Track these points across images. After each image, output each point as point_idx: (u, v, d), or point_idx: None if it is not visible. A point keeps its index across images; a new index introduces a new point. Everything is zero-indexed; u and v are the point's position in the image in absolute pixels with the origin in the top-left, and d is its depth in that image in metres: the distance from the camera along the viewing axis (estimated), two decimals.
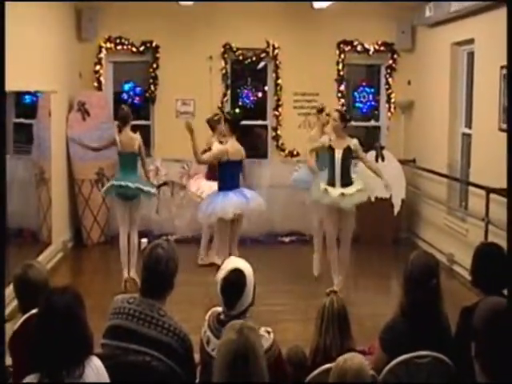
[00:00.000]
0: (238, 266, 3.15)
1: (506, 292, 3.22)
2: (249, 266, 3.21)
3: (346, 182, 6.61)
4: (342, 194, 6.51)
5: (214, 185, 6.63)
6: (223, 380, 2.48)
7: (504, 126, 6.53)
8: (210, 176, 7.45)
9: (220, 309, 3.18)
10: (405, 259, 3.57)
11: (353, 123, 9.67)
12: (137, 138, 6.98)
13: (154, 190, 7.21)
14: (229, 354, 2.49)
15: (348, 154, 6.59)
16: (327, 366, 3.13)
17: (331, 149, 6.61)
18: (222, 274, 3.15)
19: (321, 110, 7.36)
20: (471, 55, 7.89)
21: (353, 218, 6.91)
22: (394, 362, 3.26)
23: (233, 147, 6.34)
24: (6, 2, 5.74)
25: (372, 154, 8.98)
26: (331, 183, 6.61)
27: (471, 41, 7.66)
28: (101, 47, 9.23)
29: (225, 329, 2.66)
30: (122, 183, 6.83)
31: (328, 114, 7.15)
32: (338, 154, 6.56)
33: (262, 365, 2.52)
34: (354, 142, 6.63)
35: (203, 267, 7.57)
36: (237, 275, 3.11)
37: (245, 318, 3.10)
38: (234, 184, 6.39)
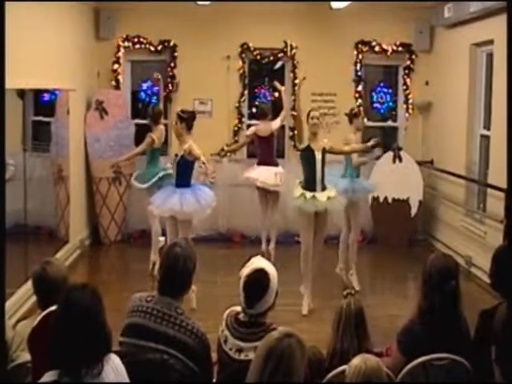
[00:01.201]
0: (263, 267, 3.14)
1: None
2: (274, 269, 3.18)
3: (324, 185, 6.28)
4: (329, 198, 6.20)
5: (269, 168, 7.68)
6: (253, 369, 2.46)
7: None
8: (259, 162, 7.93)
9: (238, 308, 3.17)
10: (421, 261, 3.55)
11: (370, 123, 9.71)
12: (163, 129, 7.54)
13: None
14: (266, 348, 2.45)
15: (324, 155, 6.26)
16: (344, 367, 3.11)
17: (311, 150, 6.20)
18: (246, 270, 3.14)
19: (355, 115, 7.08)
20: (490, 56, 7.83)
21: (327, 222, 6.57)
22: (412, 363, 3.25)
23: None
24: (24, 2, 5.81)
25: (389, 154, 8.99)
26: (312, 187, 6.20)
27: (490, 42, 7.59)
28: (119, 46, 9.28)
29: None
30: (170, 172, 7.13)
31: (363, 118, 6.98)
32: (318, 156, 6.20)
33: (290, 376, 2.43)
34: (326, 142, 6.32)
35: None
36: (261, 275, 3.10)
37: (263, 320, 3.10)
38: (188, 182, 6.36)
